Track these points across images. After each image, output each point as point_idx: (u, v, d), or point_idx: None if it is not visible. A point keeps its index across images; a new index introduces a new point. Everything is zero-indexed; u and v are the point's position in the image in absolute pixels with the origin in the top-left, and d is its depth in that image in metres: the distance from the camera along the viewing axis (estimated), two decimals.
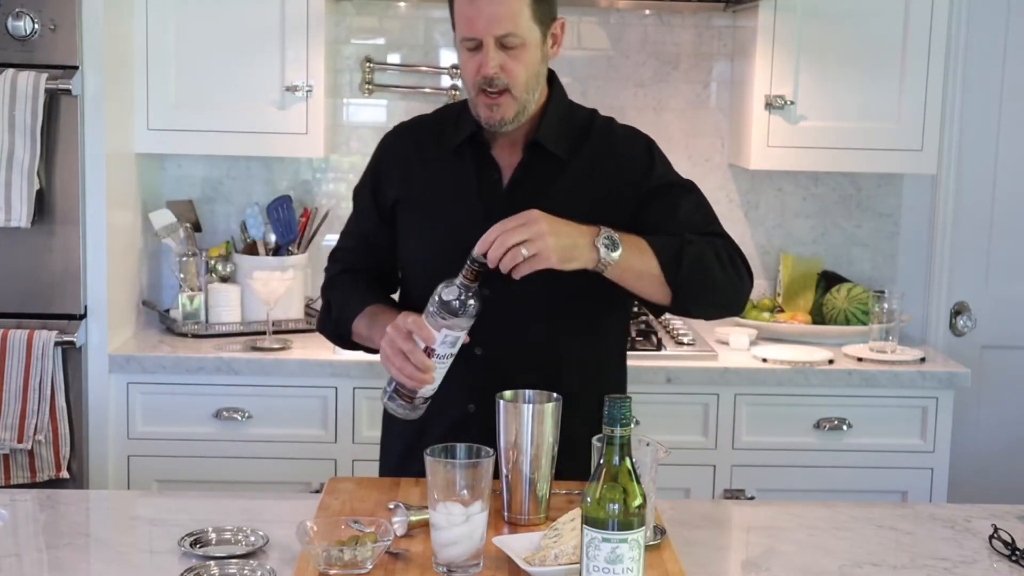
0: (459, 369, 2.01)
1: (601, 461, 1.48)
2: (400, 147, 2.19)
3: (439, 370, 1.88)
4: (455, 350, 1.88)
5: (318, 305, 3.45)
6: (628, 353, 3.14)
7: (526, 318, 2.04)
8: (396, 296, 2.22)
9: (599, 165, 2.08)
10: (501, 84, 1.98)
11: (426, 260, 2.10)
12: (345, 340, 2.17)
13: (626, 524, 1.45)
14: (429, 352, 1.86)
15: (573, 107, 2.16)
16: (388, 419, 2.21)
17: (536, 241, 1.82)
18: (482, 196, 2.06)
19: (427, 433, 2.04)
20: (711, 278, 2.00)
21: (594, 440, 1.72)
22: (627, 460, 1.48)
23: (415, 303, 2.05)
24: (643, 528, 1.48)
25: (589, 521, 1.47)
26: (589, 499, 1.47)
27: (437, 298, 1.85)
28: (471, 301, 1.84)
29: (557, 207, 1.95)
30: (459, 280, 1.84)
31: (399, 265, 2.19)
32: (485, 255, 1.82)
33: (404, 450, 2.14)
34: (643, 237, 1.95)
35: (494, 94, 1.98)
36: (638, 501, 1.46)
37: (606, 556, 1.46)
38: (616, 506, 1.45)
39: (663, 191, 2.07)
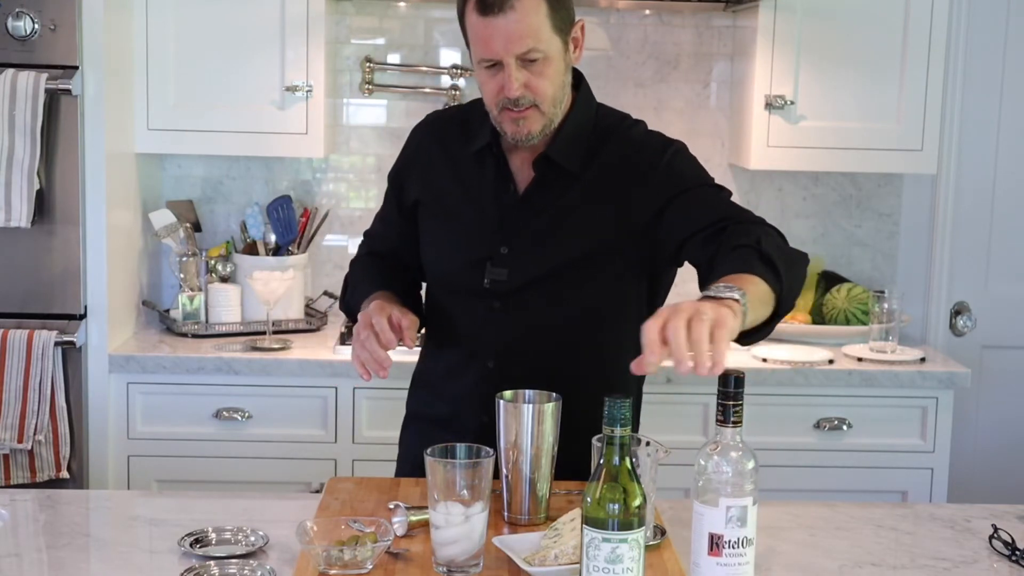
0: (472, 382, 2.02)
1: (601, 461, 1.48)
2: (427, 143, 2.15)
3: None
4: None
5: (319, 305, 3.47)
6: None
7: (537, 331, 2.03)
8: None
9: (613, 175, 2.00)
10: (527, 102, 1.91)
11: (438, 262, 2.11)
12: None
13: (626, 524, 1.45)
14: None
15: (600, 112, 2.08)
16: (412, 410, 2.22)
17: (698, 316, 1.52)
18: (497, 205, 2.03)
19: (441, 438, 2.03)
20: (800, 270, 1.86)
21: (594, 440, 1.72)
22: (627, 460, 1.47)
23: (433, 298, 2.12)
24: (643, 528, 1.48)
25: (589, 521, 1.46)
26: (589, 499, 1.46)
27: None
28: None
29: (567, 218, 1.95)
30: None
31: (422, 259, 2.16)
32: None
33: (417, 447, 2.15)
34: (736, 276, 1.70)
35: (519, 110, 1.92)
36: (638, 501, 1.46)
37: (606, 556, 1.46)
38: (616, 506, 1.45)
39: (683, 193, 1.97)
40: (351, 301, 2.17)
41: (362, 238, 2.30)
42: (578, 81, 2.07)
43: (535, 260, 2.00)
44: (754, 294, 1.67)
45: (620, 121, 2.08)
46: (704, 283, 1.83)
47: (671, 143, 2.07)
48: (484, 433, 1.96)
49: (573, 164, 2.00)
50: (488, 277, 2.00)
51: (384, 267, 2.19)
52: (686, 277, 2.09)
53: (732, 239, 1.84)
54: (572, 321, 2.03)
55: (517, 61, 1.88)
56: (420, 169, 2.13)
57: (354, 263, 2.26)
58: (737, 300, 1.60)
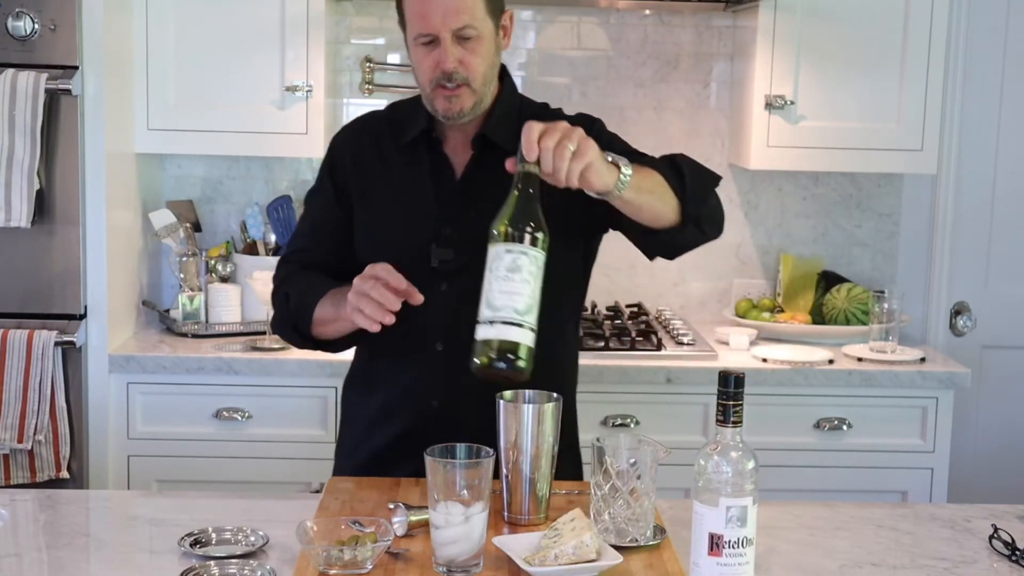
0: (420, 365, 2.05)
1: (517, 189, 1.66)
2: (355, 142, 2.19)
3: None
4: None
5: None
6: (628, 353, 3.14)
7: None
8: None
9: None
10: (460, 78, 1.98)
11: (381, 253, 2.08)
12: (304, 335, 2.12)
13: (531, 241, 1.64)
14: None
15: (524, 101, 2.18)
16: (347, 410, 2.24)
17: (572, 135, 1.73)
18: (436, 192, 2.08)
19: (388, 426, 2.09)
20: (712, 180, 2.02)
21: (594, 440, 1.75)
22: (529, 191, 1.67)
23: None
24: (544, 253, 1.65)
25: (495, 237, 1.64)
26: (496, 225, 1.65)
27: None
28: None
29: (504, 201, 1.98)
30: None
31: (356, 259, 2.13)
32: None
33: (357, 444, 2.17)
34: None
35: (452, 87, 1.99)
36: (540, 234, 1.65)
37: (507, 265, 1.63)
38: (523, 225, 1.64)
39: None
40: (299, 306, 2.10)
41: (279, 266, 2.21)
42: (502, 73, 2.15)
43: (480, 238, 2.01)
44: (646, 176, 1.87)
45: (543, 107, 2.18)
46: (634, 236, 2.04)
47: (594, 119, 2.17)
48: (433, 419, 2.00)
49: (508, 142, 2.03)
50: (436, 258, 2.05)
51: (324, 275, 2.15)
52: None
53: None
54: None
55: (453, 37, 1.96)
56: (355, 166, 2.15)
57: (286, 280, 2.17)
58: (618, 166, 1.80)
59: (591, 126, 2.12)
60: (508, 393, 1.86)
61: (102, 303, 3.00)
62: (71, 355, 2.95)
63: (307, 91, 3.19)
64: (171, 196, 3.52)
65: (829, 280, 3.52)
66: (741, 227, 3.63)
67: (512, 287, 1.65)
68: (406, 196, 2.10)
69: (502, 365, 1.67)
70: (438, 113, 2.03)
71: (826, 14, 3.24)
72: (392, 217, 2.11)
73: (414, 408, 2.07)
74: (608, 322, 3.35)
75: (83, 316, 2.98)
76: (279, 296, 2.17)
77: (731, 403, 1.55)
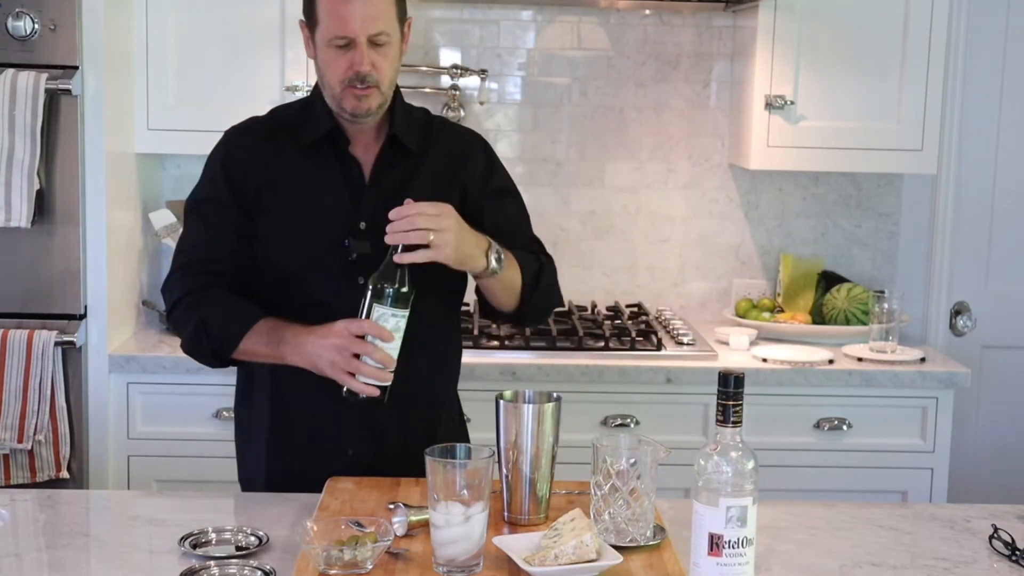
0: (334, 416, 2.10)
1: (389, 258, 1.93)
2: (246, 144, 2.19)
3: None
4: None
5: None
6: (628, 353, 3.15)
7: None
8: None
9: (447, 161, 2.18)
10: (372, 80, 2.04)
11: (293, 255, 2.10)
12: (222, 359, 2.12)
13: (401, 303, 1.92)
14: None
15: (409, 106, 2.23)
16: (244, 428, 2.26)
17: (444, 234, 1.95)
18: (346, 186, 2.11)
19: (301, 423, 2.15)
20: (553, 298, 2.24)
21: (595, 440, 1.76)
22: (403, 287, 1.93)
23: (277, 304, 2.09)
24: (408, 310, 1.93)
25: (378, 299, 1.92)
26: (385, 284, 1.92)
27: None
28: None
29: (421, 194, 2.03)
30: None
31: (259, 265, 2.13)
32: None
33: (264, 470, 2.19)
34: (512, 252, 2.11)
35: (363, 87, 2.04)
36: (406, 288, 1.92)
37: (392, 327, 1.92)
38: (392, 290, 1.92)
39: (499, 195, 2.22)
40: (224, 337, 2.07)
41: (178, 277, 2.16)
42: None
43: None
44: (511, 275, 2.10)
45: (426, 112, 2.26)
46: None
47: (483, 139, 2.29)
48: (359, 406, 1.98)
49: (414, 144, 2.15)
50: (354, 251, 2.08)
51: (239, 296, 2.13)
52: None
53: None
54: (424, 291, 2.03)
55: (368, 41, 2.03)
56: (253, 167, 2.14)
57: (200, 300, 2.12)
58: (493, 249, 2.04)
59: (476, 147, 2.25)
60: (508, 393, 1.87)
61: (102, 303, 3.00)
62: (71, 355, 2.95)
63: (307, 91, 3.18)
64: (171, 196, 3.51)
65: (829, 280, 3.52)
66: (741, 227, 3.63)
67: (393, 346, 1.93)
68: (316, 195, 2.12)
69: (363, 400, 1.96)
70: (345, 112, 2.08)
71: (826, 14, 3.24)
72: (304, 215, 2.12)
73: (334, 399, 2.01)
74: (608, 322, 3.35)
75: (83, 316, 2.98)
76: (191, 317, 2.10)
77: (731, 403, 1.55)
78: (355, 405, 1.96)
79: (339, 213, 2.11)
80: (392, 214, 1.94)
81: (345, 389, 1.95)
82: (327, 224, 2.10)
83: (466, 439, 2.23)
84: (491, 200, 2.20)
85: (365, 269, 2.04)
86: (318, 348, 1.96)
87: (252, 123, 2.24)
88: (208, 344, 2.10)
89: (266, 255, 2.12)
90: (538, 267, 2.18)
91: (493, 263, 2.04)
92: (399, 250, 1.93)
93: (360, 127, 2.12)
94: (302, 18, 2.12)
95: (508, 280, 2.10)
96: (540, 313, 2.26)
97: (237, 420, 2.29)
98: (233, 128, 2.25)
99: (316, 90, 2.17)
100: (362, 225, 2.10)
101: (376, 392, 1.94)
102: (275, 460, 2.17)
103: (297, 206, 2.12)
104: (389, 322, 1.92)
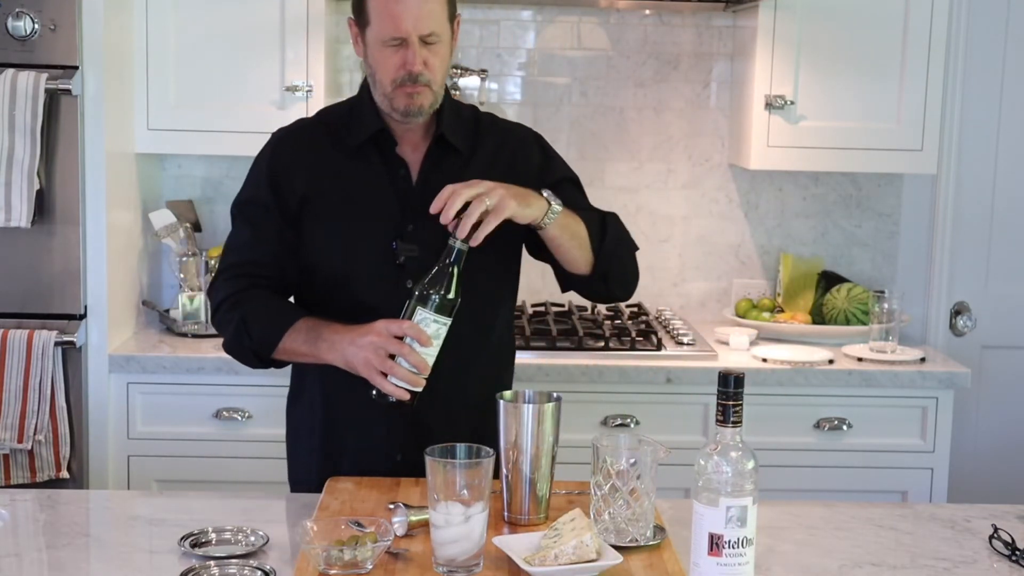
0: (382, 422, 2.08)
1: (441, 263, 1.89)
2: (294, 149, 2.17)
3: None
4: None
5: None
6: (628, 353, 3.15)
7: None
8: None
9: (497, 159, 2.15)
10: (424, 79, 2.03)
11: (339, 258, 2.09)
12: (263, 359, 2.11)
13: (445, 310, 1.90)
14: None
15: (457, 104, 2.22)
16: (294, 430, 2.25)
17: (494, 191, 1.93)
18: (395, 191, 2.09)
19: (359, 419, 2.12)
20: (629, 249, 2.19)
21: (594, 440, 1.76)
22: (457, 267, 1.89)
23: (323, 309, 2.08)
24: (451, 319, 1.90)
25: (421, 300, 1.89)
26: (432, 290, 1.89)
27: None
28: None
29: None
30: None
31: (303, 269, 2.13)
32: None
33: (316, 473, 2.16)
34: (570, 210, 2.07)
35: (414, 86, 2.03)
36: (453, 295, 1.89)
37: (432, 333, 1.89)
38: (451, 297, 1.89)
39: (559, 185, 2.16)
40: (263, 336, 2.07)
41: (222, 279, 2.15)
42: None
43: (443, 234, 2.01)
44: (573, 222, 2.05)
45: (475, 110, 2.24)
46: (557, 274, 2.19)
47: (536, 133, 2.27)
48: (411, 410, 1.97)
49: (462, 143, 2.13)
50: (402, 254, 2.07)
51: (281, 297, 2.14)
52: None
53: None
54: (475, 293, 2.03)
55: (420, 40, 2.02)
56: (299, 170, 2.13)
57: (240, 300, 2.11)
58: (548, 201, 2.00)
59: (528, 141, 2.23)
60: (508, 393, 1.87)
61: (102, 303, 3.00)
62: (71, 355, 2.95)
63: (307, 91, 3.19)
64: (171, 196, 3.52)
65: (829, 280, 3.52)
66: (741, 227, 3.63)
67: (430, 351, 1.91)
68: (363, 197, 2.11)
69: (391, 403, 1.93)
70: (396, 112, 2.06)
71: (826, 14, 3.24)
72: (350, 218, 2.10)
73: (385, 403, 2.01)
74: (608, 322, 3.35)
75: (83, 316, 2.98)
76: (232, 318, 2.11)
77: (731, 403, 1.55)
78: (383, 407, 1.93)
79: (386, 215, 2.08)
80: (434, 207, 1.92)
81: (375, 390, 1.92)
82: (374, 227, 2.08)
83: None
84: (554, 191, 2.12)
85: (412, 272, 2.03)
86: (355, 346, 1.94)
87: (299, 125, 2.23)
88: (249, 344, 2.10)
89: (312, 259, 2.12)
90: (601, 217, 2.14)
91: (547, 197, 2.00)
92: (455, 245, 1.90)
93: (408, 127, 2.10)
94: (351, 16, 2.11)
95: (573, 229, 2.06)
96: (618, 268, 2.16)
97: (288, 422, 2.28)
98: (280, 130, 2.23)
99: (363, 90, 2.16)
100: (410, 227, 2.08)
101: (406, 396, 1.91)
102: (325, 464, 2.14)
103: (343, 209, 2.11)
104: (430, 327, 1.89)
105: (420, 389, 1.92)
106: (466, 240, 1.90)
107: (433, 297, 1.89)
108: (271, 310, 2.09)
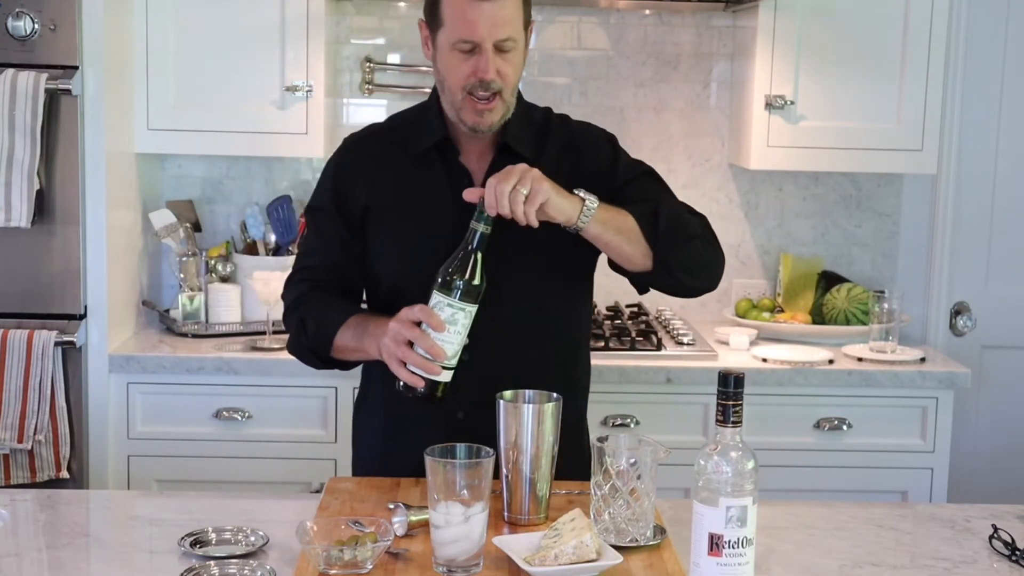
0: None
1: (466, 247, 1.84)
2: (359, 156, 2.16)
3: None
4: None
5: None
6: (628, 353, 3.14)
7: (508, 318, 2.03)
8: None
9: (564, 163, 2.09)
10: (496, 87, 1.97)
11: (400, 267, 2.09)
12: (322, 357, 2.11)
13: (466, 296, 1.83)
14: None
15: (529, 107, 2.17)
16: (362, 426, 2.23)
17: (526, 179, 1.85)
18: (455, 198, 2.02)
19: (409, 439, 2.05)
20: (689, 233, 2.04)
21: (594, 440, 1.76)
22: (479, 253, 1.84)
23: (389, 309, 2.03)
24: (477, 306, 1.84)
25: (438, 285, 1.84)
26: (447, 275, 1.84)
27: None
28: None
29: None
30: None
31: (369, 277, 2.15)
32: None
33: (374, 459, 2.15)
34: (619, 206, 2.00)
35: (485, 98, 1.97)
36: (477, 281, 1.83)
37: (447, 318, 1.83)
38: (462, 282, 1.83)
39: (631, 182, 2.11)
40: (319, 333, 2.08)
41: (289, 283, 2.19)
42: None
43: (505, 245, 2.00)
44: (616, 216, 1.96)
45: (547, 113, 2.18)
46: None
47: (606, 131, 2.20)
48: (462, 427, 1.97)
49: (527, 151, 2.07)
50: None
51: (339, 297, 2.14)
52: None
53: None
54: (539, 306, 2.04)
55: (494, 47, 1.95)
56: (362, 180, 2.12)
57: (301, 302, 2.14)
58: (583, 198, 1.91)
59: (597, 140, 2.16)
60: (508, 393, 1.87)
61: (102, 303, 3.00)
62: (71, 355, 2.95)
63: (307, 91, 3.19)
64: (171, 196, 3.52)
65: (829, 280, 3.52)
66: (741, 227, 3.63)
67: (446, 338, 1.84)
68: (424, 208, 2.07)
69: (422, 394, 1.88)
70: (464, 124, 2.01)
71: (826, 14, 3.24)
72: (411, 228, 2.08)
73: (438, 419, 2.03)
74: (608, 322, 3.35)
75: (83, 316, 2.98)
76: (294, 319, 2.14)
77: (731, 403, 1.55)
78: (409, 400, 1.89)
79: (446, 224, 2.02)
80: (468, 197, 1.89)
81: (400, 382, 1.88)
82: (433, 237, 2.02)
83: (586, 474, 1.90)
84: (624, 189, 2.09)
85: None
86: (382, 334, 1.90)
87: (368, 132, 2.21)
88: (306, 343, 2.11)
89: (376, 268, 2.12)
90: (653, 208, 2.01)
91: (582, 195, 1.91)
92: (478, 229, 1.85)
93: (474, 136, 2.05)
94: (421, 17, 2.06)
95: (618, 224, 1.96)
96: (681, 256, 2.02)
97: (353, 425, 2.27)
98: (351, 137, 2.21)
99: (433, 94, 2.11)
100: None
101: (419, 383, 1.85)
102: (386, 471, 2.12)
103: (404, 219, 2.09)
104: (444, 312, 1.83)
105: (439, 378, 1.85)
106: (488, 223, 1.85)
107: (450, 281, 1.84)
108: (327, 309, 2.09)
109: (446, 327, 1.84)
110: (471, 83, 1.97)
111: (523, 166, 1.88)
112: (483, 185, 1.93)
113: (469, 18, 1.94)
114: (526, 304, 2.06)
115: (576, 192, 1.93)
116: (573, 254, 2.08)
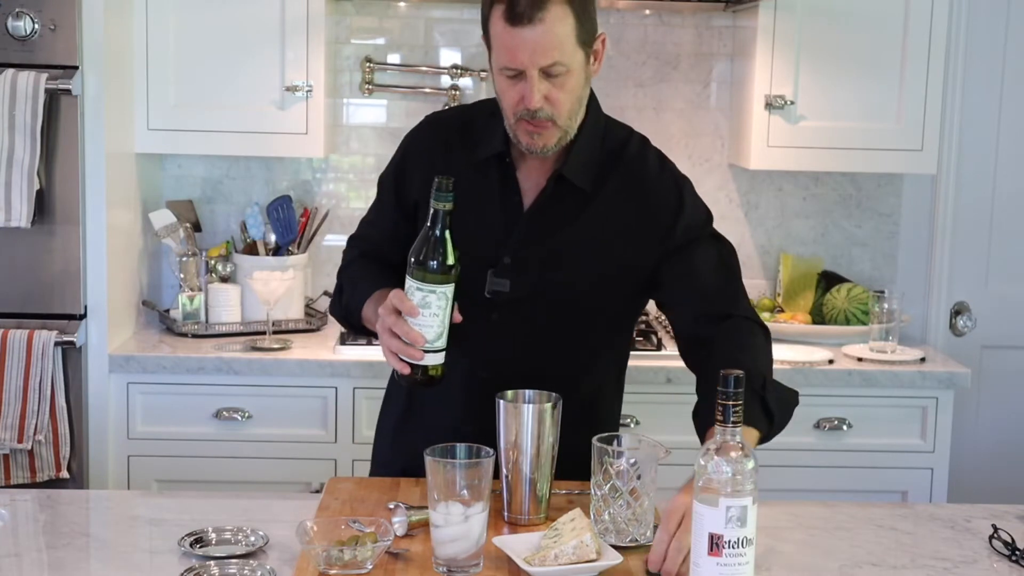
0: (461, 392, 2.01)
1: (428, 229, 1.78)
2: (427, 145, 2.10)
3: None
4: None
5: (319, 305, 3.47)
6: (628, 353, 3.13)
7: (535, 346, 2.02)
8: None
9: (626, 200, 2.01)
10: (545, 115, 1.88)
11: None
12: (354, 325, 2.11)
13: (434, 277, 1.78)
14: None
15: (608, 127, 2.06)
16: (383, 428, 2.23)
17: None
18: (503, 217, 1.99)
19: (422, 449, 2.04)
20: (790, 408, 2.00)
21: (594, 441, 1.76)
22: (448, 231, 1.78)
23: None
24: (453, 284, 1.79)
25: (409, 269, 1.79)
26: (412, 258, 1.79)
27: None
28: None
29: (577, 238, 1.95)
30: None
31: None
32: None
33: (391, 460, 2.15)
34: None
35: (534, 123, 1.89)
36: (443, 260, 1.78)
37: (418, 301, 1.78)
38: (434, 263, 1.78)
39: (692, 246, 2.02)
40: (350, 302, 2.09)
41: (347, 243, 2.22)
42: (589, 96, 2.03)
43: (540, 274, 1.98)
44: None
45: (627, 139, 2.06)
46: (698, 371, 2.05)
47: (681, 177, 2.07)
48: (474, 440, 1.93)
49: (586, 183, 1.99)
50: (490, 288, 1.98)
51: (381, 267, 2.13)
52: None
53: (728, 357, 1.89)
54: (568, 340, 2.02)
55: (540, 73, 1.85)
56: (421, 172, 2.05)
57: (347, 267, 2.18)
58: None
59: (666, 186, 2.03)
60: (508, 393, 1.87)
61: (102, 303, 3.00)
62: (71, 355, 2.95)
63: (307, 91, 3.19)
64: (171, 196, 3.52)
65: (829, 280, 3.52)
66: (741, 227, 3.63)
67: (422, 321, 1.80)
68: (471, 216, 1.95)
69: (415, 379, 1.85)
70: (521, 145, 1.94)
71: (826, 14, 3.24)
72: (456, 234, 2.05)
73: (451, 433, 1.97)
74: None
75: (83, 316, 2.98)
76: (337, 285, 2.17)
77: (731, 403, 1.55)
78: (407, 387, 1.90)
79: (488, 241, 1.98)
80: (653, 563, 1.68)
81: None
82: (473, 248, 1.89)
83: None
84: (682, 250, 2.00)
85: (500, 308, 1.98)
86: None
87: (447, 116, 2.15)
88: (339, 311, 2.13)
89: None
90: (760, 401, 1.87)
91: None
92: (438, 208, 1.78)
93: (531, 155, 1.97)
94: (483, 33, 1.96)
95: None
96: (781, 429, 1.97)
97: (379, 421, 2.26)
98: (432, 116, 2.16)
99: None
100: (506, 260, 1.98)
101: (405, 369, 1.82)
102: (405, 436, 2.12)
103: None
104: (415, 296, 1.78)
105: (422, 362, 1.81)
106: (448, 200, 1.77)
107: (417, 264, 1.79)
108: (363, 280, 2.09)
109: (419, 312, 1.79)
110: (519, 111, 1.89)
111: (686, 511, 1.65)
112: (531, 205, 1.97)
113: (510, 45, 1.84)
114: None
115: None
116: (621, 316, 2.10)
